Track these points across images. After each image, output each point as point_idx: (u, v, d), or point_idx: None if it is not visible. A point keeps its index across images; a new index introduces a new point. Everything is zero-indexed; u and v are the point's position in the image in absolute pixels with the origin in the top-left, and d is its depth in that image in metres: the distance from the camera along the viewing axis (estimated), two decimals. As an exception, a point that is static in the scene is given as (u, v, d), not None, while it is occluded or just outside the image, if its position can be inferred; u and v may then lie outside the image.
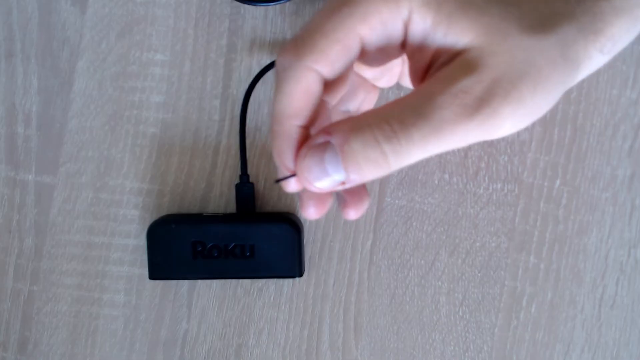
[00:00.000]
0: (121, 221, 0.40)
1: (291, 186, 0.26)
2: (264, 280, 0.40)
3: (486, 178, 0.39)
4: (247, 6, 0.39)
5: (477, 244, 0.39)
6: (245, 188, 0.39)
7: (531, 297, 0.39)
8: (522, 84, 0.23)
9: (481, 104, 0.23)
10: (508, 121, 0.23)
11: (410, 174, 0.39)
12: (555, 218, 0.39)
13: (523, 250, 0.39)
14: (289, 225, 0.37)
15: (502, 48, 0.23)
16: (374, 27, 0.24)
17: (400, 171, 0.39)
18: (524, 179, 0.39)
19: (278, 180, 0.27)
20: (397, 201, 0.39)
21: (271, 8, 0.39)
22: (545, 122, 0.39)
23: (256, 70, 0.39)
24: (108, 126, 0.40)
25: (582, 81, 0.39)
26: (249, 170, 0.39)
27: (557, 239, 0.39)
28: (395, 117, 0.23)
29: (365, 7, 0.24)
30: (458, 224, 0.39)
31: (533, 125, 0.39)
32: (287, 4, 0.39)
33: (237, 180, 0.39)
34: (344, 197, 0.29)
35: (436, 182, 0.39)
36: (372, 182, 0.39)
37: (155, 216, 0.40)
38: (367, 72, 0.31)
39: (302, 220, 0.39)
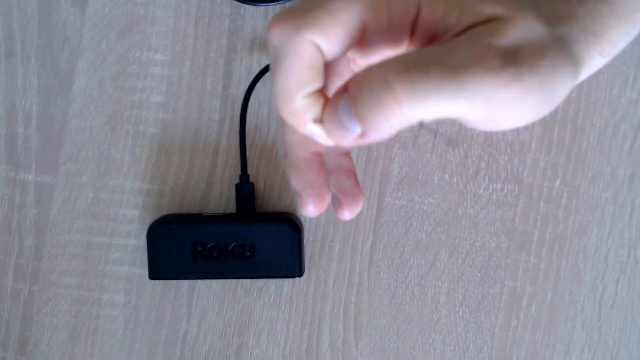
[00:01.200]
0: (121, 221, 0.40)
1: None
2: (264, 280, 0.40)
3: (486, 178, 0.39)
4: (247, 6, 0.39)
5: (477, 244, 0.39)
6: (245, 188, 0.39)
7: (531, 297, 0.39)
8: (545, 59, 0.22)
9: (510, 62, 0.21)
10: (527, 101, 0.22)
11: (410, 174, 0.39)
12: (555, 218, 0.39)
13: (523, 250, 0.39)
14: (289, 225, 0.37)
15: (524, 23, 0.22)
16: (380, 19, 0.23)
17: (400, 171, 0.39)
18: (524, 179, 0.39)
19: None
20: (397, 201, 0.39)
21: (271, 8, 0.39)
22: (545, 122, 0.39)
23: (256, 70, 0.39)
24: (108, 126, 0.40)
25: (582, 81, 0.39)
26: (249, 170, 0.39)
27: (557, 239, 0.39)
28: (411, 58, 0.21)
29: None
30: (458, 224, 0.39)
31: (533, 125, 0.39)
32: (287, 4, 0.39)
33: (237, 180, 0.39)
34: (337, 197, 0.29)
35: (436, 182, 0.39)
36: (372, 182, 0.39)
37: (155, 216, 0.40)
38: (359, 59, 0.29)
39: (302, 220, 0.39)
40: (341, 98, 0.22)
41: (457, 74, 0.21)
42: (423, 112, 0.21)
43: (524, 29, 0.22)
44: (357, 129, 0.22)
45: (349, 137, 0.22)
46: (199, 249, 0.37)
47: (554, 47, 0.23)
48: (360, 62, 0.28)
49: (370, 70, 0.22)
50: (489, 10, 0.22)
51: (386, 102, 0.21)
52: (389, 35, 0.24)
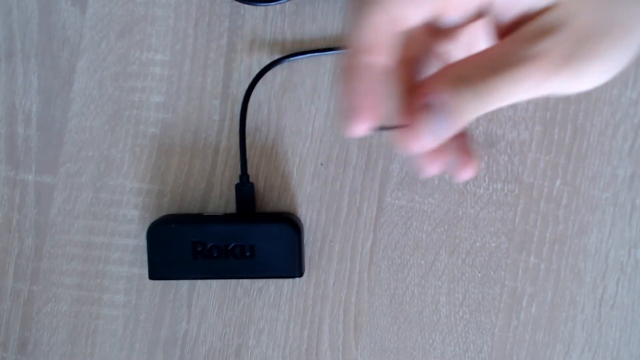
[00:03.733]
0: (121, 221, 0.40)
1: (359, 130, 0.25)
2: (264, 280, 0.40)
3: (486, 178, 0.39)
4: (247, 6, 0.39)
5: (477, 244, 0.39)
6: (245, 188, 0.39)
7: (531, 297, 0.39)
8: (606, 41, 0.23)
9: (565, 62, 0.23)
10: (590, 77, 0.24)
11: (411, 174, 0.39)
12: (555, 218, 0.39)
13: (523, 250, 0.39)
14: (289, 225, 0.37)
15: (587, 4, 0.23)
16: None
17: (400, 171, 0.39)
18: (524, 179, 0.39)
19: (384, 129, 0.26)
20: (397, 201, 0.39)
21: (271, 8, 0.39)
22: (546, 122, 0.39)
23: (256, 70, 0.39)
24: (108, 126, 0.40)
25: (583, 81, 0.39)
26: (249, 170, 0.39)
27: (557, 239, 0.39)
28: (488, 67, 0.24)
29: None
30: (458, 224, 0.39)
31: (533, 125, 0.39)
32: (287, 4, 0.39)
33: (237, 180, 0.39)
34: (454, 161, 0.28)
35: (436, 182, 0.39)
36: (372, 182, 0.39)
37: (155, 216, 0.40)
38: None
39: (302, 220, 0.39)
40: (432, 108, 0.25)
41: (521, 85, 0.23)
42: (497, 106, 0.24)
43: (588, 16, 0.24)
44: (445, 133, 0.25)
45: (435, 140, 0.25)
46: (199, 249, 0.37)
47: (624, 14, 0.24)
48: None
49: (458, 82, 0.24)
50: None
51: (476, 108, 0.24)
52: (467, 12, 0.26)
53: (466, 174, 0.28)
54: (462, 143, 0.28)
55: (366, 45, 0.24)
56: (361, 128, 0.25)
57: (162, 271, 0.38)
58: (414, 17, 0.25)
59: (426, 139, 0.25)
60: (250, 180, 0.39)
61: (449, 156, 0.28)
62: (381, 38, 0.24)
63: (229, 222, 0.38)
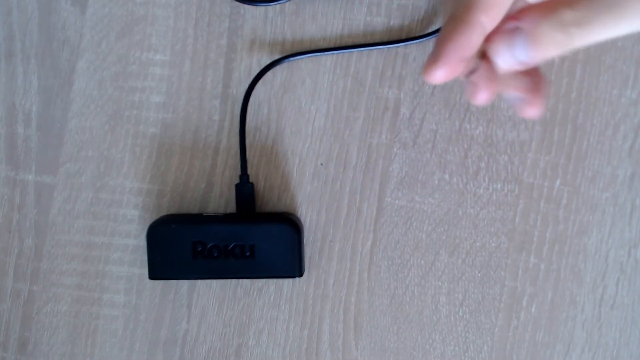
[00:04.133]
0: (121, 221, 0.40)
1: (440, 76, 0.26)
2: (264, 280, 0.40)
3: (486, 178, 0.39)
4: (247, 6, 0.39)
5: (477, 244, 0.39)
6: (245, 188, 0.39)
7: (531, 297, 0.39)
8: None
9: None
10: None
11: (410, 174, 0.39)
12: (555, 218, 0.39)
13: (523, 250, 0.39)
14: (289, 225, 0.37)
15: None
16: None
17: (400, 171, 0.39)
18: (524, 179, 0.39)
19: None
20: (397, 201, 0.39)
21: (271, 8, 0.39)
22: (546, 122, 0.39)
23: (256, 70, 0.39)
24: (108, 126, 0.40)
25: (582, 81, 0.39)
26: (249, 170, 0.39)
27: (557, 239, 0.39)
28: (581, 2, 0.24)
29: None
30: (458, 224, 0.39)
31: (533, 125, 0.39)
32: (287, 4, 0.39)
33: (237, 180, 0.39)
34: (523, 97, 0.28)
35: (436, 182, 0.39)
36: (372, 182, 0.39)
37: (155, 216, 0.40)
38: None
39: (302, 220, 0.39)
40: (515, 33, 0.25)
41: (622, 15, 0.23)
42: (588, 42, 0.24)
43: None
44: (525, 59, 0.25)
45: (513, 64, 0.26)
46: (199, 249, 0.37)
47: None
48: None
49: (546, 13, 0.25)
50: None
51: (562, 41, 0.24)
52: None
53: (532, 112, 0.28)
54: (535, 80, 0.28)
55: (488, 6, 0.25)
56: (446, 75, 0.26)
57: (162, 271, 0.38)
58: None
59: (505, 60, 0.25)
60: (250, 180, 0.39)
61: (518, 90, 0.28)
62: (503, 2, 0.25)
63: (229, 222, 0.38)
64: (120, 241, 0.40)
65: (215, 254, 0.37)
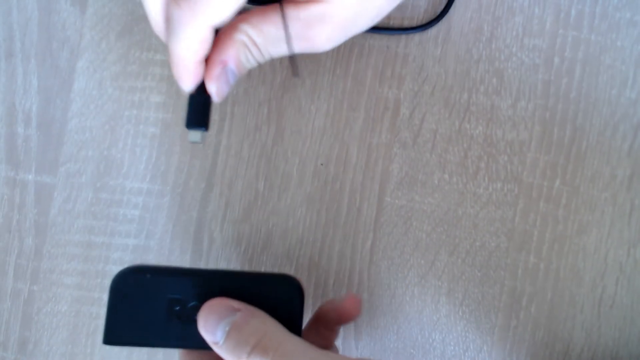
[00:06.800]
0: (121, 221, 0.40)
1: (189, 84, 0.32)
2: (264, 280, 0.39)
3: (486, 178, 0.39)
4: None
5: (477, 243, 0.39)
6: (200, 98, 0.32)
7: (531, 297, 0.39)
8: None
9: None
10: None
11: (410, 174, 0.39)
12: (555, 218, 0.39)
13: (523, 250, 0.39)
14: (289, 286, 0.31)
15: None
16: None
17: (400, 171, 0.39)
18: (524, 179, 0.39)
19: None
20: (397, 201, 0.39)
21: (271, 8, 0.39)
22: (545, 122, 0.39)
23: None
24: (108, 126, 0.40)
25: (581, 81, 0.39)
26: (249, 170, 0.39)
27: (556, 239, 0.39)
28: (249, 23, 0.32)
29: None
30: (458, 223, 0.39)
31: (532, 125, 0.39)
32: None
33: (237, 180, 0.39)
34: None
35: (436, 182, 0.39)
36: (372, 182, 0.39)
37: (155, 216, 0.40)
38: None
39: (302, 220, 0.39)
40: (224, 68, 0.31)
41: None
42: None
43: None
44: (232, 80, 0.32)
45: (228, 87, 0.32)
46: (176, 308, 0.30)
47: None
48: None
49: (237, 48, 0.32)
50: None
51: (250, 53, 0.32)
52: None
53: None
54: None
55: (189, 51, 0.30)
56: (189, 86, 0.32)
57: (122, 335, 0.30)
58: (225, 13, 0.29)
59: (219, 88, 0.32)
60: (250, 180, 0.39)
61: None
62: (199, 46, 0.30)
63: (218, 278, 0.30)
64: (120, 241, 0.40)
65: (195, 317, 0.29)
